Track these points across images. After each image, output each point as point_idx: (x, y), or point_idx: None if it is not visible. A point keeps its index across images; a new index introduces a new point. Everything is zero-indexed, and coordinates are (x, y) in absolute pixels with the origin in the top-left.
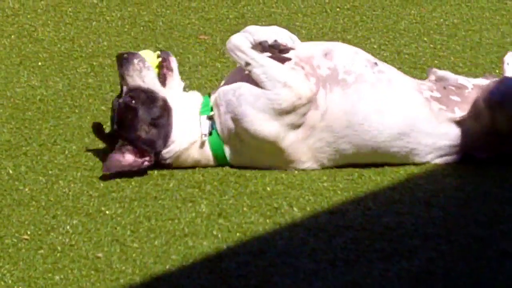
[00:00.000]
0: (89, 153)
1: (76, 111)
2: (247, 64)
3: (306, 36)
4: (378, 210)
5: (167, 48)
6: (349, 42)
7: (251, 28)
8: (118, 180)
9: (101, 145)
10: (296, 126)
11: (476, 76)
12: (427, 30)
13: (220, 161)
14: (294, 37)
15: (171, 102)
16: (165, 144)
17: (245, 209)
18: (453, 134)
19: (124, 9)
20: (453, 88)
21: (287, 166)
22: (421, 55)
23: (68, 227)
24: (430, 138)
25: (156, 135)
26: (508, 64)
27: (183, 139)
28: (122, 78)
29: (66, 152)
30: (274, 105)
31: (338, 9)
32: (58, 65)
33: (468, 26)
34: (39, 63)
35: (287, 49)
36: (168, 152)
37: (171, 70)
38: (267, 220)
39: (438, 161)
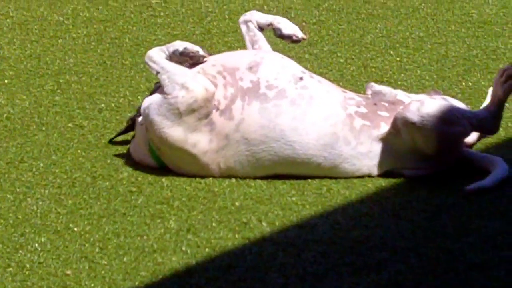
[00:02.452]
0: (57, 171)
1: (43, 128)
2: (157, 72)
3: (273, 50)
4: (347, 223)
5: (134, 65)
6: (315, 56)
7: (172, 43)
8: (86, 197)
9: (68, 163)
10: (204, 132)
11: (443, 89)
12: (393, 44)
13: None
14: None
15: None
16: None
17: (214, 224)
18: (375, 153)
19: (90, 26)
20: (386, 104)
21: (205, 174)
22: (387, 69)
23: (36, 244)
24: (350, 161)
25: None
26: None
27: None
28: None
29: (34, 169)
30: (173, 109)
31: (304, 23)
32: (24, 82)
33: (434, 39)
34: (5, 81)
35: (197, 56)
36: None
37: None
38: (236, 235)
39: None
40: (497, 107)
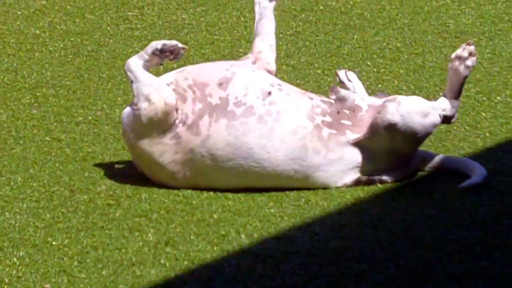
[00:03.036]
0: (35, 184)
1: (21, 142)
2: (131, 81)
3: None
4: (325, 235)
5: (111, 78)
6: (292, 67)
7: (149, 45)
8: (64, 210)
9: (46, 176)
10: (170, 144)
11: None
12: (370, 54)
13: None
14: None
15: None
16: None
17: (192, 237)
18: (347, 158)
19: (67, 39)
20: (347, 111)
21: (174, 183)
22: (364, 79)
23: (15, 259)
24: (322, 168)
25: None
26: (350, 81)
27: None
28: None
29: (11, 183)
30: (138, 120)
31: (281, 35)
32: (1, 96)
33: (411, 50)
34: None
35: (177, 50)
36: None
37: None
38: (215, 248)
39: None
40: (458, 92)
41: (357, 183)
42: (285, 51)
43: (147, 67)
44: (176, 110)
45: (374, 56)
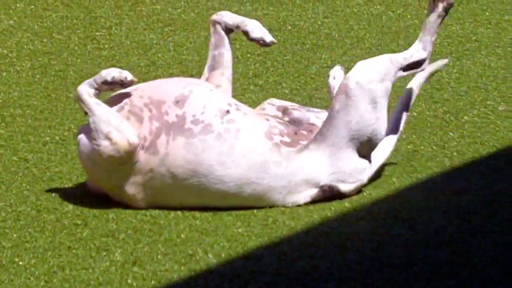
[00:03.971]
0: (1, 204)
1: None
2: (86, 113)
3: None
4: (292, 254)
5: None
6: (260, 87)
7: (99, 74)
8: (31, 230)
9: (13, 196)
10: (127, 169)
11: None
12: None
13: None
14: (122, 71)
15: None
16: None
17: (159, 256)
18: (307, 167)
19: (35, 59)
20: (305, 132)
21: (135, 204)
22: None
23: None
24: (285, 179)
25: None
26: (334, 78)
27: None
28: None
29: None
30: (96, 154)
31: (249, 55)
32: None
33: None
34: None
35: (127, 82)
36: None
37: None
38: (182, 267)
39: (304, 200)
40: (433, 32)
41: (319, 193)
42: (253, 70)
43: (98, 94)
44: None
45: None
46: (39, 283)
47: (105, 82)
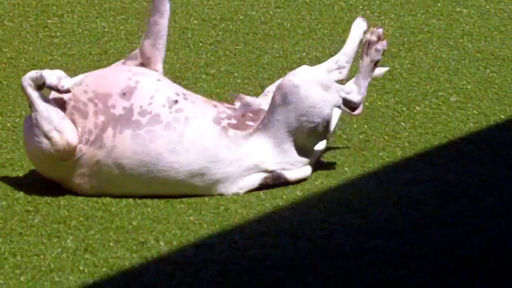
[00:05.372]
0: None
1: None
2: (30, 106)
3: (169, 71)
4: (244, 243)
5: None
6: (212, 76)
7: (44, 74)
8: None
9: None
10: (71, 163)
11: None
12: (290, 64)
13: None
14: (63, 77)
15: None
16: None
17: (111, 244)
18: (255, 152)
19: None
20: (251, 114)
21: (83, 192)
22: None
23: None
24: (235, 163)
25: None
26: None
27: None
28: None
29: None
30: (37, 149)
31: (200, 44)
32: None
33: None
34: None
35: (63, 91)
36: None
37: None
38: (134, 255)
39: (253, 185)
40: (367, 77)
41: (268, 179)
42: (204, 60)
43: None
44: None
45: (294, 65)
46: None
47: (42, 84)
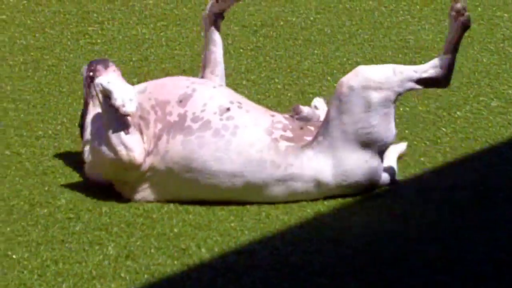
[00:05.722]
0: None
1: None
2: (106, 98)
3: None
4: (285, 249)
5: (71, 92)
6: (253, 82)
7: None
8: (24, 224)
9: (6, 190)
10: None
11: None
12: (331, 70)
13: None
14: (128, 100)
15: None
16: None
17: (152, 250)
18: (308, 168)
19: (27, 53)
20: (312, 128)
21: (140, 197)
22: (325, 95)
23: None
24: (281, 178)
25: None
26: (316, 107)
27: None
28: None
29: None
30: (101, 156)
31: (241, 50)
32: None
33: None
34: None
35: (124, 113)
36: None
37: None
38: (175, 262)
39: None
40: (453, 52)
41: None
42: (245, 66)
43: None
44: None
45: (335, 71)
46: (32, 276)
47: (108, 100)
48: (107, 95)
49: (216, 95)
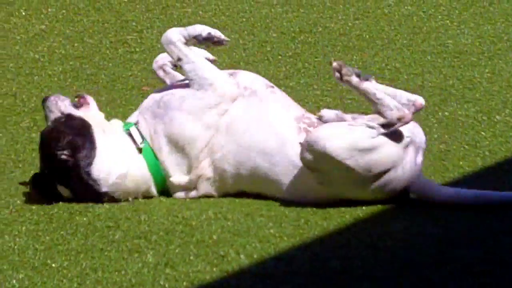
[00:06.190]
0: (34, 207)
1: (20, 165)
2: (179, 59)
3: None
4: (325, 255)
5: (110, 101)
6: (291, 89)
7: (193, 26)
8: (63, 233)
9: (45, 200)
10: (210, 130)
11: (419, 120)
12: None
13: (156, 178)
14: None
15: (90, 121)
16: (90, 155)
17: (191, 258)
18: None
19: (66, 63)
20: None
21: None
22: (364, 101)
23: (14, 281)
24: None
25: (79, 141)
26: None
27: (116, 158)
28: (46, 119)
29: (11, 206)
30: (200, 104)
31: (280, 57)
32: (1, 120)
33: (410, 70)
34: None
35: (220, 41)
36: (106, 176)
37: (87, 103)
38: (214, 269)
39: None
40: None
41: None
42: (284, 72)
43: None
44: None
45: (374, 76)
46: (72, 285)
47: (198, 37)
48: (193, 35)
49: (259, 77)
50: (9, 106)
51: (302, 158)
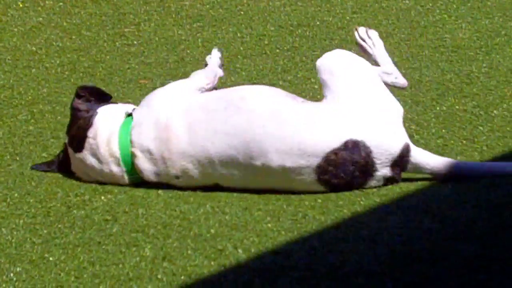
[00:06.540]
0: (31, 200)
1: (17, 158)
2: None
3: (246, 78)
4: (322, 249)
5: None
6: (289, 82)
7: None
8: (61, 226)
9: (42, 192)
10: None
11: (417, 114)
12: None
13: (125, 162)
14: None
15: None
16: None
17: (189, 252)
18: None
19: (64, 55)
20: None
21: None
22: None
23: (11, 274)
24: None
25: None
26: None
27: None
28: None
29: (8, 199)
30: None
31: (278, 50)
32: None
33: (408, 64)
34: None
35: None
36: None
37: None
38: (212, 263)
39: None
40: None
41: None
42: (281, 66)
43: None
44: None
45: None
46: (69, 278)
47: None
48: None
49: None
50: (6, 98)
51: None
